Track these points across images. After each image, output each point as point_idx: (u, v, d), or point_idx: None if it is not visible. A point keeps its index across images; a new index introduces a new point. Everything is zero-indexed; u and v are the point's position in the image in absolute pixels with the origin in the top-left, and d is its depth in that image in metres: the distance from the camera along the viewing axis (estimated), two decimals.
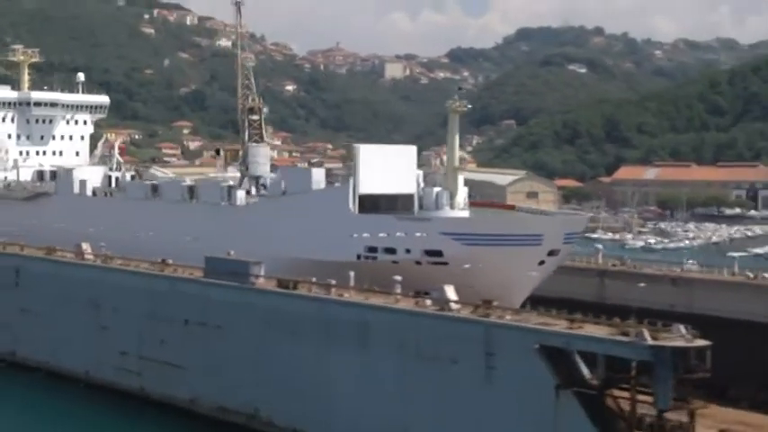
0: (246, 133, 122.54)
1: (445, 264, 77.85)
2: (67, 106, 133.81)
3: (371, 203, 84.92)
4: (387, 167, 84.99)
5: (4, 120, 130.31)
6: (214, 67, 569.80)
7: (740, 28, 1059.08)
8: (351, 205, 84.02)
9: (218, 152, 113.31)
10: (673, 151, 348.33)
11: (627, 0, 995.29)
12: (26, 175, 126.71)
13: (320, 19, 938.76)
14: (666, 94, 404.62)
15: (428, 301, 67.74)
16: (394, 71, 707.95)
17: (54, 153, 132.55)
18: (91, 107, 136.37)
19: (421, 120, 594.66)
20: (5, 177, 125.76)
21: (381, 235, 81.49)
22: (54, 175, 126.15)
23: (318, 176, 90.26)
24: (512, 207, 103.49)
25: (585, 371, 58.63)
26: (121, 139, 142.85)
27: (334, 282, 73.53)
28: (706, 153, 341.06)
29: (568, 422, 57.92)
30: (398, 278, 70.08)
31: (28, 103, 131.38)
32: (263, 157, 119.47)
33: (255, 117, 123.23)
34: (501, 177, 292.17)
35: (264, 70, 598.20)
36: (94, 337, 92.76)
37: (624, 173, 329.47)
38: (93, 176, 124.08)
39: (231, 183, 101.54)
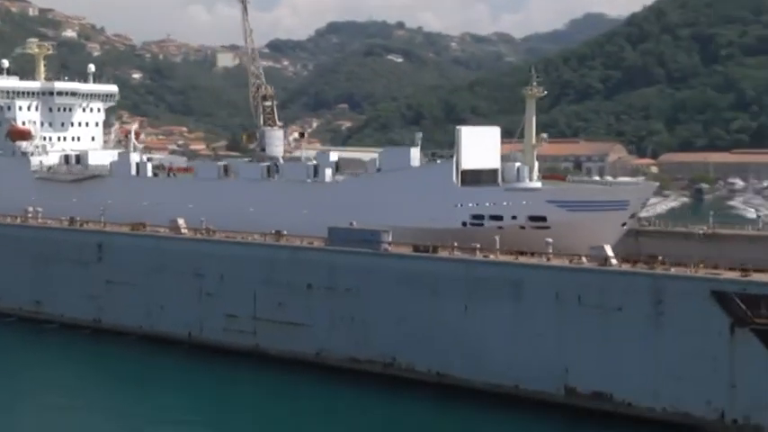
0: (261, 118, 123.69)
1: (547, 227, 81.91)
2: (84, 95, 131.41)
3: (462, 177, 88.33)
4: (479, 146, 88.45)
5: (29, 108, 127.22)
6: (62, 56, 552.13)
7: (496, 23, 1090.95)
8: (455, 179, 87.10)
9: (302, 135, 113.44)
10: (504, 130, 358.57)
11: None
12: (51, 159, 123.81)
13: (132, 10, 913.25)
14: (493, 81, 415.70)
15: (583, 259, 71.78)
16: (225, 61, 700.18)
17: (73, 139, 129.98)
18: (103, 96, 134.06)
19: None
20: (40, 162, 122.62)
21: (487, 204, 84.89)
22: (78, 159, 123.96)
23: (415, 155, 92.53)
24: (563, 178, 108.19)
25: (749, 312, 63.67)
26: (137, 125, 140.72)
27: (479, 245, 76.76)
28: None
29: (747, 354, 63.30)
30: (550, 240, 73.90)
31: (51, 93, 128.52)
32: (278, 139, 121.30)
33: (268, 103, 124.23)
34: (367, 155, 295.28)
35: (110, 59, 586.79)
36: (197, 303, 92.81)
37: None
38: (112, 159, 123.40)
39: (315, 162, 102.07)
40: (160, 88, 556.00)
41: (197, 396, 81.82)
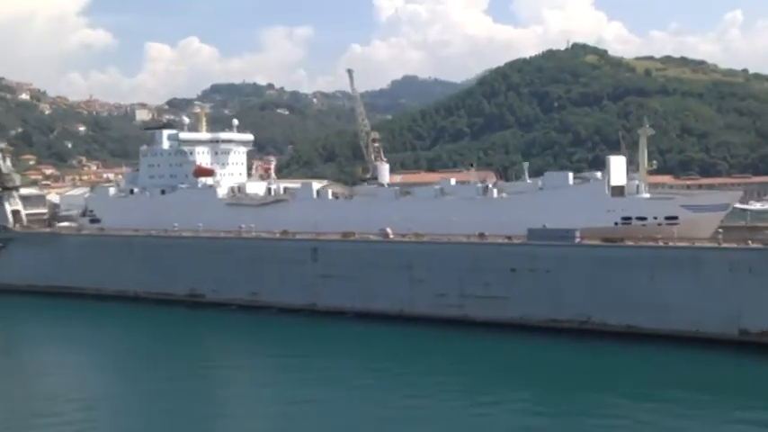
0: (372, 155, 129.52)
1: (677, 224, 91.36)
2: (236, 141, 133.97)
3: None
4: (617, 169, 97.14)
5: (203, 153, 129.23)
6: (21, 114, 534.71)
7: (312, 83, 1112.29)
8: (607, 192, 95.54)
9: (471, 165, 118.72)
10: (401, 165, 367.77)
11: (236, 63, 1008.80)
12: (223, 191, 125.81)
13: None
14: (384, 127, 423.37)
15: (749, 242, 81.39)
16: (141, 115, 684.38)
17: (230, 174, 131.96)
18: (245, 141, 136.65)
19: None
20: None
21: (633, 209, 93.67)
22: (239, 189, 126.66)
23: (570, 177, 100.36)
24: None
25: None
26: (274, 163, 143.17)
27: (659, 236, 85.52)
28: (422, 165, 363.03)
29: None
30: (720, 230, 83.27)
31: (217, 141, 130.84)
32: (386, 170, 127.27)
33: (376, 144, 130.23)
34: (315, 184, 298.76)
35: (59, 116, 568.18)
36: (408, 287, 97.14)
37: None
38: (259, 188, 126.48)
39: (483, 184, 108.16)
40: (102, 137, 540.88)
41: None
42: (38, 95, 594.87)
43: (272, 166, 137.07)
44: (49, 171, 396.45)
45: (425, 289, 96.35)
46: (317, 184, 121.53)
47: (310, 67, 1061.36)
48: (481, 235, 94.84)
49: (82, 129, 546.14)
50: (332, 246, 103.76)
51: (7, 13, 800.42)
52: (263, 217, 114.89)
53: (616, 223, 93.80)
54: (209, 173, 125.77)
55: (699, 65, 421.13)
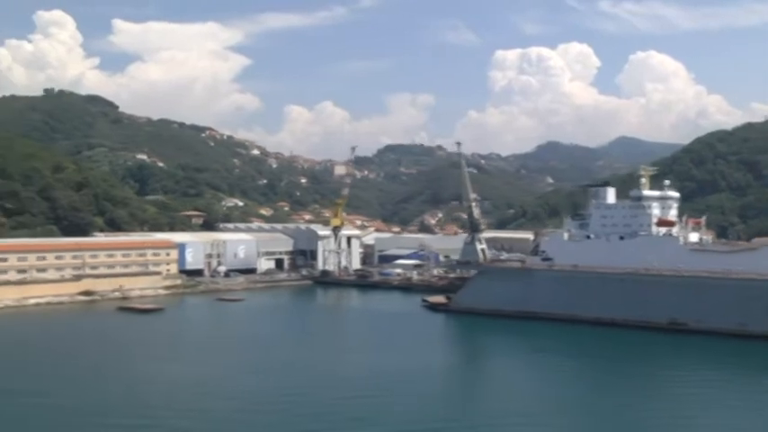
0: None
1: None
2: (674, 198, 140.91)
3: None
4: None
5: (655, 207, 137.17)
6: (254, 167, 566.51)
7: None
8: None
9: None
10: None
11: (365, 125, 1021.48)
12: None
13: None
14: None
15: None
16: (339, 170, 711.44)
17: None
18: (676, 198, 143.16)
19: (376, 200, 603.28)
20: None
21: None
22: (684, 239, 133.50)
23: None
24: None
25: None
26: (704, 218, 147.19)
27: None
28: None
29: None
30: None
31: (665, 198, 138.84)
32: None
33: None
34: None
35: (284, 169, 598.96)
36: None
37: None
38: (694, 237, 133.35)
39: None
40: (322, 188, 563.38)
41: None
42: (264, 151, 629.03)
43: (703, 220, 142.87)
44: (307, 217, 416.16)
45: None
46: None
47: (430, 129, 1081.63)
48: None
49: (303, 181, 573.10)
50: None
51: (175, 80, 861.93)
52: (731, 262, 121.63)
53: None
54: (671, 224, 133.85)
55: None
